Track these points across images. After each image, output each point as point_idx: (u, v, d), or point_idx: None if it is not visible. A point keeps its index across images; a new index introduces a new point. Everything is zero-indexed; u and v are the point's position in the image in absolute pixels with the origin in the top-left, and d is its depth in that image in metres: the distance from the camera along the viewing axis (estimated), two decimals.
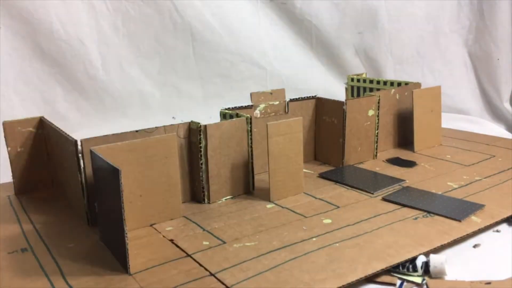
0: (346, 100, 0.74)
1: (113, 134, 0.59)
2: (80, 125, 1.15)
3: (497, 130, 1.12)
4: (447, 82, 1.31)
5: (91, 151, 0.52)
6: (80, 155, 0.57)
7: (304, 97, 0.78)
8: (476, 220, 0.55)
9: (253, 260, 0.49)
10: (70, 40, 1.16)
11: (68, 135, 0.59)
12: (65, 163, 0.63)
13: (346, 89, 0.97)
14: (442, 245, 0.50)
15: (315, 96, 0.79)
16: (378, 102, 0.78)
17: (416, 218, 0.57)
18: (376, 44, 1.36)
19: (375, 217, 0.57)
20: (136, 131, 0.61)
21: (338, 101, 0.75)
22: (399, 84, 0.87)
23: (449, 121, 1.09)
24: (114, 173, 0.46)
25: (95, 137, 0.58)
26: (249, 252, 0.50)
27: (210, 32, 1.29)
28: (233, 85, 1.30)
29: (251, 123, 0.65)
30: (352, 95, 0.97)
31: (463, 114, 1.26)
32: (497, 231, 0.54)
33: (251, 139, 0.66)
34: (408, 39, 1.36)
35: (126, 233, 0.47)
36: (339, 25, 1.36)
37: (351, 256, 0.49)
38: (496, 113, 1.26)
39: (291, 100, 0.77)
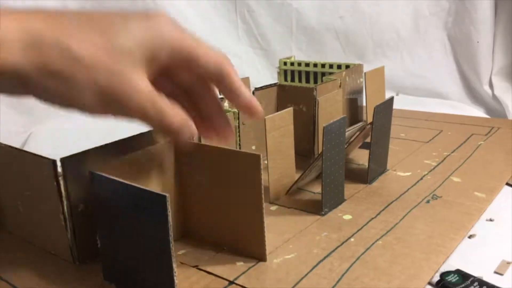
0: (315, 86, 0.71)
1: (95, 148, 0.47)
2: (48, 118, 1.08)
3: (476, 113, 1.14)
4: (426, 65, 1.34)
5: (93, 175, 0.42)
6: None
7: (267, 85, 0.74)
8: (481, 196, 0.58)
9: (311, 276, 0.43)
10: None
11: (40, 155, 0.46)
12: (28, 191, 0.49)
13: (279, 73, 0.94)
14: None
15: (277, 83, 0.75)
16: (340, 86, 0.77)
17: (428, 202, 0.57)
18: (357, 28, 1.35)
19: (390, 206, 0.56)
20: (124, 139, 0.49)
21: (305, 87, 0.72)
22: (339, 66, 0.87)
23: (427, 106, 1.11)
24: (158, 201, 0.37)
25: (76, 154, 0.46)
26: (298, 267, 0.45)
27: (183, 20, 1.15)
28: None
29: (239, 118, 0.59)
30: (286, 80, 0.94)
31: (442, 97, 1.27)
32: (490, 220, 0.55)
33: (239, 135, 0.59)
34: (388, 22, 1.35)
35: (175, 272, 0.38)
36: (319, 8, 1.34)
37: (404, 253, 0.46)
38: (475, 96, 1.29)
39: (256, 89, 0.72)
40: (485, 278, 0.43)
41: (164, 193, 0.36)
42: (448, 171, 0.65)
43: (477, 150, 0.73)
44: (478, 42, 1.27)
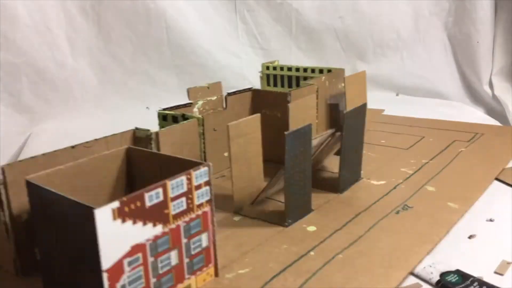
0: (289, 91, 0.67)
1: (43, 155, 0.45)
2: (48, 118, 1.09)
3: (476, 114, 1.12)
4: (426, 65, 1.31)
5: (29, 184, 0.39)
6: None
7: (241, 90, 0.70)
8: (454, 206, 0.53)
9: None
10: (37, 26, 1.05)
11: None
12: None
13: (261, 77, 0.90)
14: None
15: (251, 88, 0.71)
16: (317, 91, 0.72)
17: (398, 212, 0.53)
18: (357, 28, 1.33)
19: (357, 217, 0.52)
20: (72, 147, 0.47)
21: (279, 92, 0.69)
22: (321, 70, 0.82)
23: (427, 106, 1.09)
24: (85, 213, 0.34)
25: (20, 162, 0.43)
26: (250, 282, 0.42)
27: (184, 19, 1.16)
28: (209, 74, 1.22)
29: (203, 124, 0.55)
30: (269, 84, 0.90)
31: (442, 97, 1.25)
32: (491, 220, 0.52)
33: (204, 143, 0.56)
34: (388, 22, 1.33)
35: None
36: (319, 8, 1.32)
37: (364, 268, 0.43)
38: (475, 96, 1.26)
39: (229, 94, 0.68)
40: (485, 278, 0.41)
41: (92, 205, 0.33)
42: (424, 180, 0.61)
43: (457, 157, 0.69)
44: (478, 42, 1.23)
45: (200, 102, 0.64)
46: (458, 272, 0.41)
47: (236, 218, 0.54)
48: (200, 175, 0.40)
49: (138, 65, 1.24)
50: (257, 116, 0.56)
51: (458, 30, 1.28)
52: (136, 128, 0.51)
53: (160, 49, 1.23)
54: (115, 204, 0.34)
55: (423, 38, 1.33)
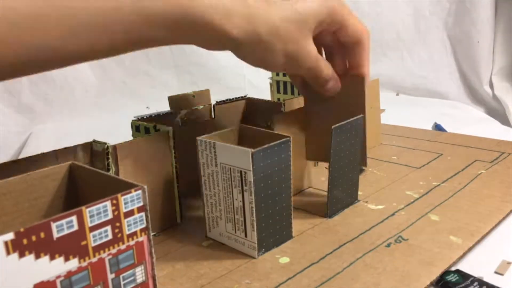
0: (283, 100, 0.57)
1: None
2: (48, 118, 1.06)
3: (476, 113, 1.03)
4: (426, 65, 1.24)
5: None
6: None
7: (233, 99, 0.60)
8: (457, 241, 0.43)
9: None
10: None
11: None
12: None
13: (271, 84, 0.80)
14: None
15: (245, 96, 0.62)
16: None
17: (389, 245, 0.43)
18: None
19: (340, 248, 0.43)
20: (14, 161, 0.39)
21: (273, 102, 0.59)
22: None
23: (427, 106, 1.02)
24: None
25: None
26: None
27: None
28: (209, 74, 1.16)
29: (174, 137, 0.47)
30: (278, 91, 0.80)
31: (442, 97, 1.17)
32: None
33: (175, 157, 0.47)
34: (388, 22, 1.27)
35: None
36: None
37: None
38: (475, 96, 1.17)
39: (218, 103, 0.58)
40: (485, 278, 0.38)
41: None
42: (429, 207, 0.50)
43: (474, 181, 0.57)
44: (478, 42, 1.16)
45: (183, 112, 0.55)
46: (458, 272, 0.39)
47: (205, 243, 0.45)
48: (131, 199, 0.32)
49: (138, 65, 1.18)
50: (232, 130, 0.47)
51: (458, 30, 1.20)
52: (94, 141, 0.43)
53: (161, 49, 1.16)
54: (9, 236, 0.26)
55: (423, 38, 1.25)
